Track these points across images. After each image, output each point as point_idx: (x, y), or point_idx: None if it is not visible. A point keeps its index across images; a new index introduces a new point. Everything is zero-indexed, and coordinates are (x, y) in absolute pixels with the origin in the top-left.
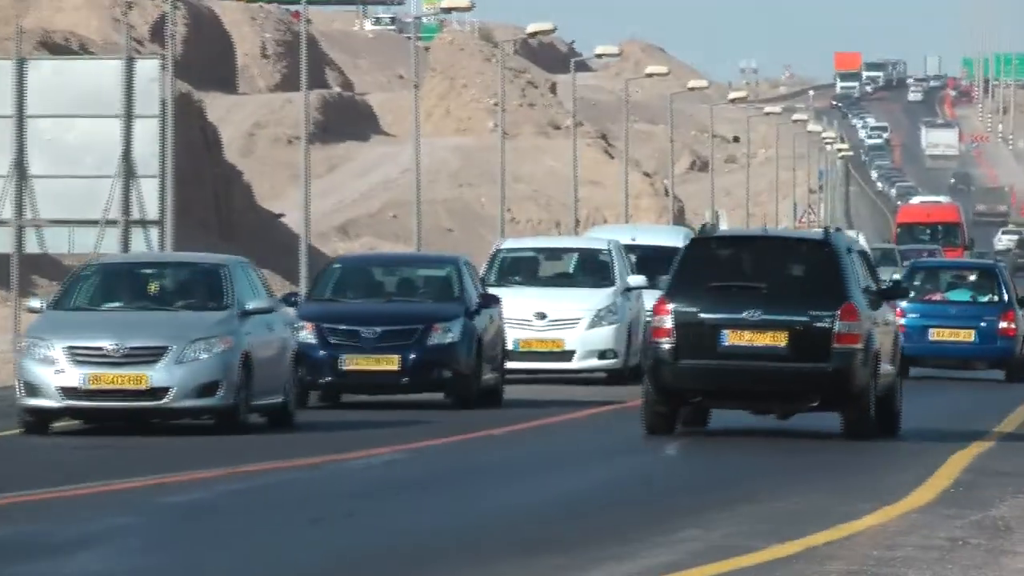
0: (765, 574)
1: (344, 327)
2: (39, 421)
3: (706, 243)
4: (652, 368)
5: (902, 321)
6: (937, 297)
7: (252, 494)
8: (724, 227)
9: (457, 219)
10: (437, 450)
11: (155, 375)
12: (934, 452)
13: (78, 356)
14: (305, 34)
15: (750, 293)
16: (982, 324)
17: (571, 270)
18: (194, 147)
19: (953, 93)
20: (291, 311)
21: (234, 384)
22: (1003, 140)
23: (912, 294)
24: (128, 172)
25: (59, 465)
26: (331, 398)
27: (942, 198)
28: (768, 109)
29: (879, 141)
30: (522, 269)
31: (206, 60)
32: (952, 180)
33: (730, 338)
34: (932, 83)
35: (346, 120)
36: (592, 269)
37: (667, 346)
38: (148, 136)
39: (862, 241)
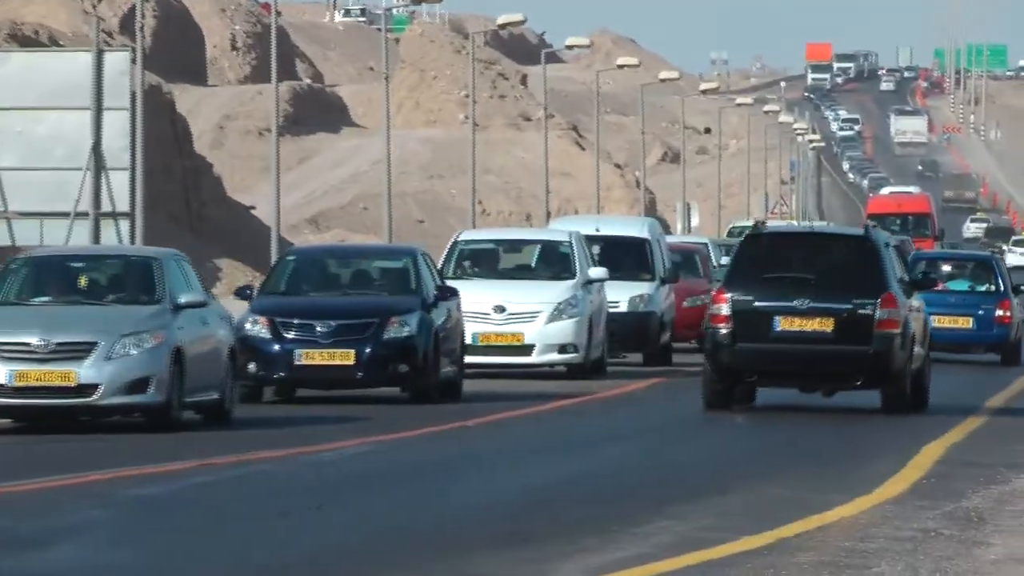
0: (736, 566)
1: (298, 321)
2: None
3: (759, 239)
4: (711, 350)
5: None
6: (938, 286)
7: (220, 487)
8: (695, 220)
9: (428, 211)
10: (408, 443)
11: (83, 372)
12: (907, 443)
13: (4, 352)
14: (275, 26)
15: (800, 283)
16: (980, 312)
17: (531, 262)
18: (164, 139)
19: (925, 84)
20: (221, 305)
21: (165, 380)
22: (975, 131)
23: None
24: (98, 164)
25: (13, 462)
26: (286, 393)
27: (912, 188)
28: (739, 100)
29: (851, 133)
30: (481, 261)
31: (176, 52)
32: (919, 167)
33: (782, 324)
34: (906, 73)
35: (316, 112)
36: (552, 261)
37: (725, 331)
38: (118, 129)
39: None
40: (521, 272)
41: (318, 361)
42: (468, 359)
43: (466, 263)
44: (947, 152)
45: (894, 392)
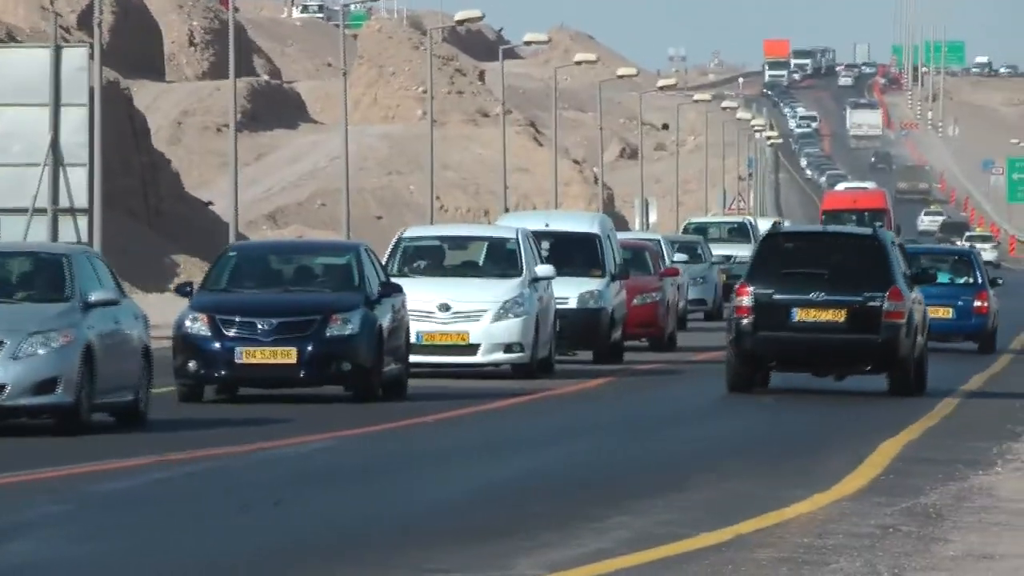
0: (695, 562)
1: (239, 319)
2: None
3: (777, 238)
4: (735, 339)
5: None
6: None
7: (180, 482)
8: (654, 216)
9: (386, 207)
10: (369, 438)
11: None
12: (865, 439)
13: None
14: (233, 22)
15: (815, 278)
16: (959, 303)
17: (477, 260)
18: (122, 135)
19: (883, 81)
20: (136, 304)
21: (74, 381)
22: (932, 127)
23: None
24: (56, 160)
25: None
26: (228, 392)
27: (868, 184)
28: (697, 97)
29: (808, 130)
30: (426, 258)
31: (134, 48)
32: (872, 159)
33: (799, 315)
34: (864, 69)
35: (274, 108)
36: (499, 259)
37: (747, 321)
38: (76, 125)
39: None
40: (467, 270)
41: (259, 360)
42: (412, 358)
43: (411, 260)
44: (904, 147)
45: (899, 376)
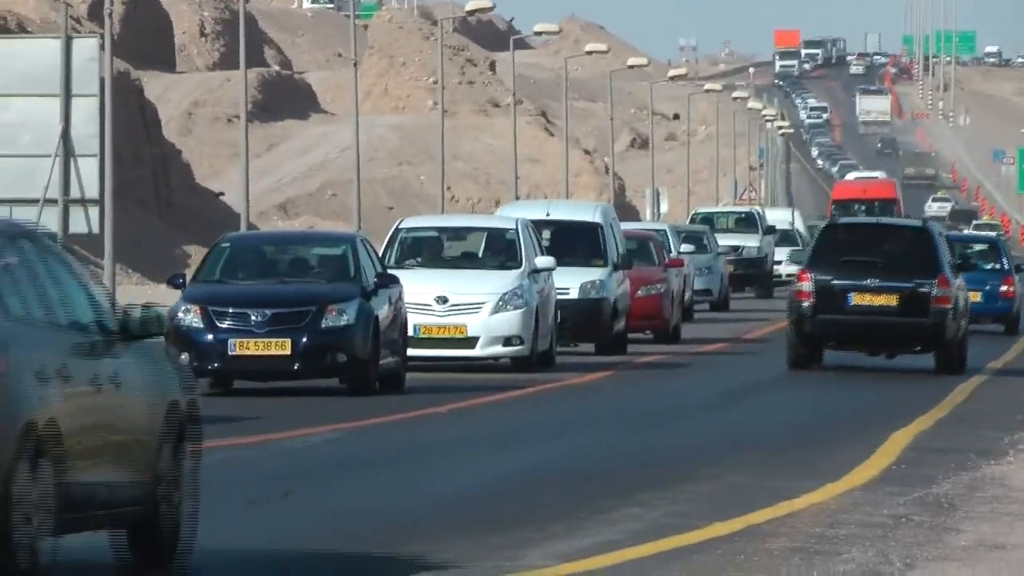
0: (706, 552)
1: (232, 310)
2: None
3: (836, 229)
4: (796, 321)
5: None
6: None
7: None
8: (665, 206)
9: (397, 198)
10: (378, 429)
11: None
12: (877, 428)
13: None
14: (244, 12)
15: (870, 266)
16: (987, 287)
17: (476, 251)
18: (133, 126)
19: (893, 70)
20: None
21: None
22: (943, 117)
23: None
24: (67, 151)
25: None
26: (222, 385)
27: (879, 174)
28: (708, 87)
29: (819, 121)
30: (423, 250)
31: (145, 39)
32: (879, 145)
33: (855, 299)
34: (876, 59)
35: (285, 99)
36: (498, 250)
37: (807, 304)
38: (87, 115)
39: (798, 220)
40: (465, 261)
41: (253, 351)
42: (409, 352)
43: (409, 251)
44: (913, 135)
45: (945, 356)
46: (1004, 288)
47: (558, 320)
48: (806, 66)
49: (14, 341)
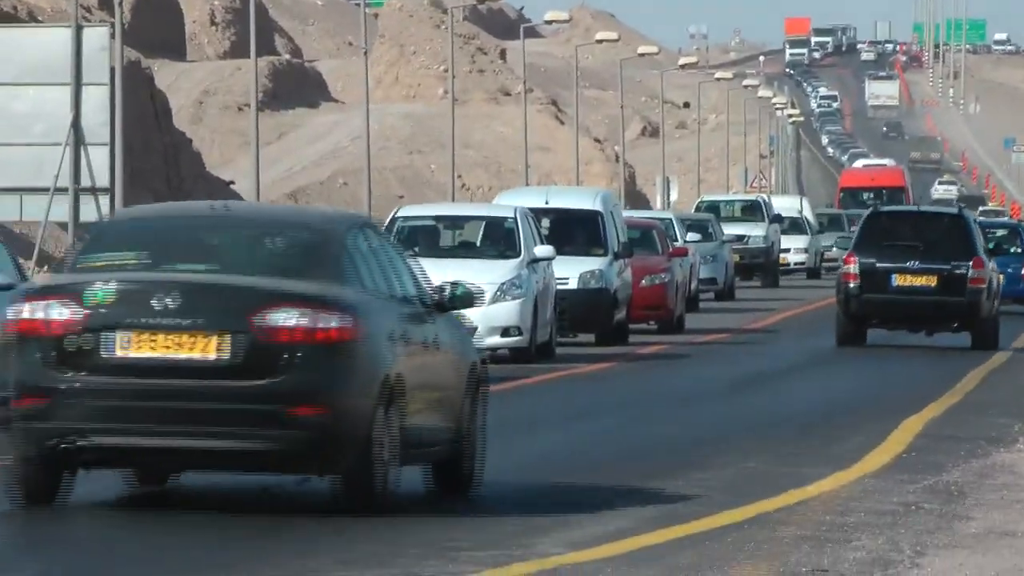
0: (717, 539)
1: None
2: None
3: (880, 216)
4: (844, 300)
5: None
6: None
7: None
8: (675, 194)
9: (407, 186)
10: None
11: None
12: (888, 416)
13: None
14: (254, 1)
15: (911, 249)
16: (1008, 270)
17: (474, 240)
18: (143, 115)
19: (904, 58)
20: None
21: None
22: (954, 104)
23: None
24: (78, 140)
25: None
26: None
27: (887, 161)
28: (719, 75)
29: (829, 109)
30: (421, 239)
31: (155, 28)
32: (884, 129)
33: (897, 280)
34: (887, 46)
35: (295, 87)
36: (496, 239)
37: (854, 285)
38: (97, 104)
39: (805, 208)
40: (462, 250)
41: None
42: None
43: (406, 240)
44: (922, 120)
45: (980, 333)
46: None
47: (557, 311)
48: (816, 54)
49: (371, 310)
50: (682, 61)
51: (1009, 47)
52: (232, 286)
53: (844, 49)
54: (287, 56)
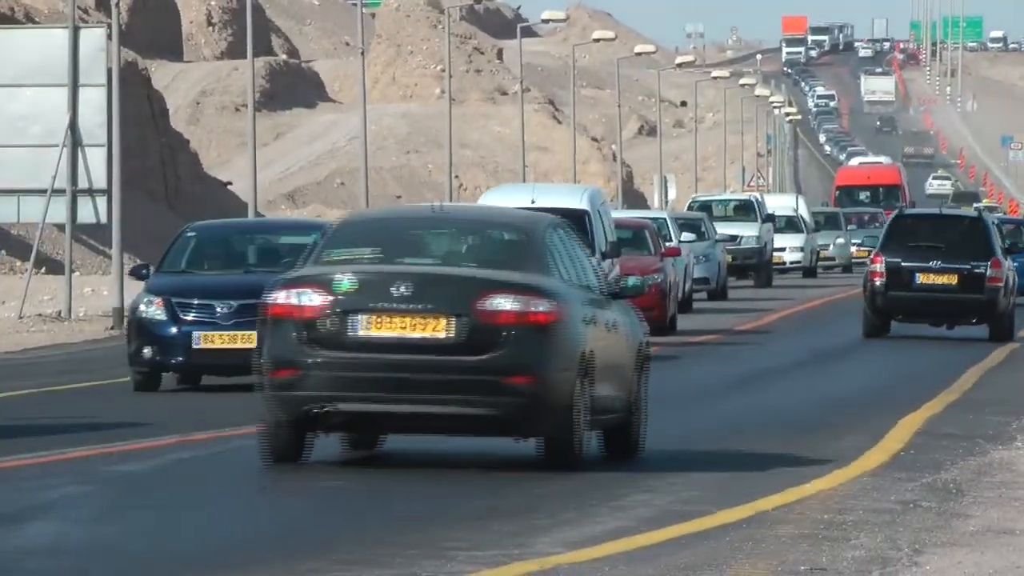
0: (715, 538)
1: (197, 301)
2: None
3: (904, 218)
4: (870, 297)
5: None
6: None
7: (200, 463)
8: (672, 193)
9: (405, 186)
10: None
11: None
12: (886, 414)
13: None
14: (251, 1)
15: (934, 250)
16: (1016, 265)
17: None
18: (141, 116)
19: (901, 56)
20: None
21: None
22: (951, 102)
23: None
24: (75, 141)
25: None
26: (190, 379)
27: (883, 159)
28: (716, 73)
29: (826, 108)
30: None
31: (152, 28)
32: (878, 123)
33: (920, 278)
34: (885, 43)
35: (293, 87)
36: None
37: (880, 283)
38: (95, 105)
39: (801, 206)
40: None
41: (218, 344)
42: None
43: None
44: (922, 120)
45: (998, 328)
46: None
47: None
48: (812, 53)
49: (569, 296)
50: (679, 60)
51: (1012, 45)
52: (457, 276)
53: (841, 47)
54: (284, 56)
